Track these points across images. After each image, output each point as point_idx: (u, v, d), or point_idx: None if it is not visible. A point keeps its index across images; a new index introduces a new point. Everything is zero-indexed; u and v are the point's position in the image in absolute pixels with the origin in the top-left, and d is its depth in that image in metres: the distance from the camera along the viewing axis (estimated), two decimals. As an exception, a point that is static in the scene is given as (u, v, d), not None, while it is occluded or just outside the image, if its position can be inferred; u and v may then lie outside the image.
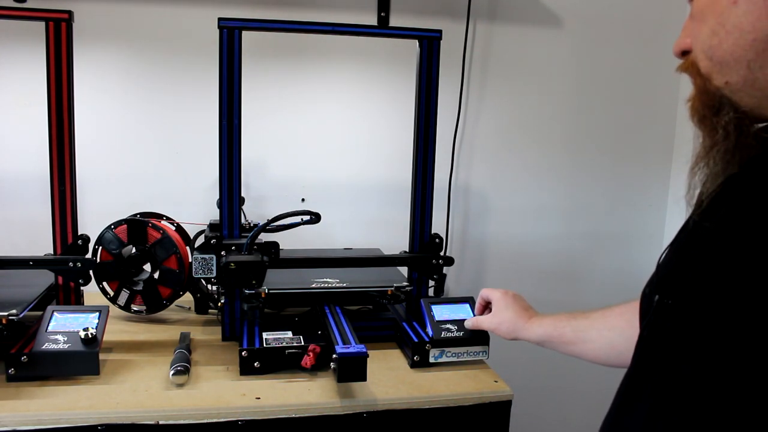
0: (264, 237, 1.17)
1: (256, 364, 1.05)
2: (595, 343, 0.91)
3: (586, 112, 1.76)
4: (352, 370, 0.96)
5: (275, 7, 1.53)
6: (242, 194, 1.21)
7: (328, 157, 1.63)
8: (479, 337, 1.14)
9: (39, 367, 0.98)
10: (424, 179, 1.27)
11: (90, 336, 0.99)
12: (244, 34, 1.14)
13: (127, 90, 1.52)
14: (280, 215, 1.15)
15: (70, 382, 1.00)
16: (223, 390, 1.00)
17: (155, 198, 1.51)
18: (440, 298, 1.26)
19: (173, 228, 1.33)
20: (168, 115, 1.54)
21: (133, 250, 1.25)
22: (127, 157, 1.54)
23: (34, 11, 1.12)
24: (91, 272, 1.16)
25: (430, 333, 1.14)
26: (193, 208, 1.49)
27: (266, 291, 1.14)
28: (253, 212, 1.49)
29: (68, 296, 1.18)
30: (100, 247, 1.24)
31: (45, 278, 1.20)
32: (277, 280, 1.18)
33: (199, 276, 1.13)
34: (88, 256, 1.19)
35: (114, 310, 1.23)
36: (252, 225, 1.26)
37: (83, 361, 0.99)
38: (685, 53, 0.59)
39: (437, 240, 1.28)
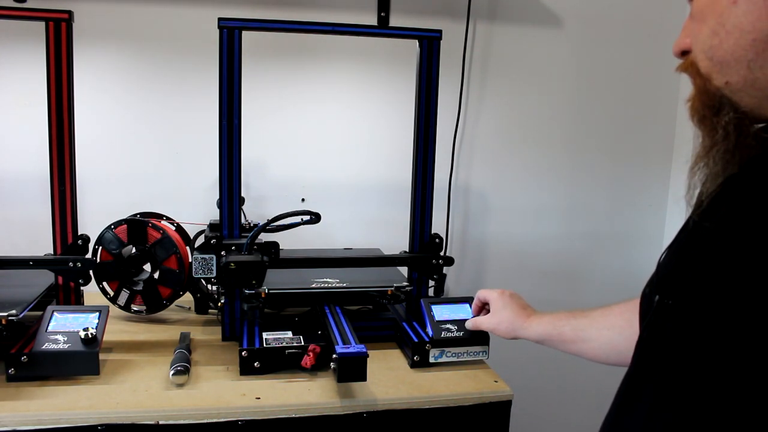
0: (264, 237, 1.17)
1: (256, 364, 1.05)
2: (594, 342, 0.91)
3: (586, 112, 1.76)
4: (352, 370, 0.96)
5: (275, 7, 1.53)
6: (242, 194, 1.21)
7: (328, 157, 1.63)
8: (479, 337, 1.14)
9: (39, 367, 0.98)
10: (424, 179, 1.27)
11: (90, 336, 0.99)
12: (244, 34, 1.14)
13: (127, 90, 1.52)
14: (280, 215, 1.15)
15: (70, 382, 0.99)
16: (223, 390, 1.00)
17: (155, 198, 1.51)
18: (440, 298, 1.26)
19: (173, 228, 1.33)
20: (168, 115, 1.54)
21: (133, 250, 1.25)
22: (127, 157, 1.54)
23: (34, 11, 1.12)
24: (91, 272, 1.16)
25: (430, 333, 1.14)
26: (193, 208, 1.49)
27: (266, 291, 1.14)
28: (253, 212, 1.49)
29: (68, 296, 1.18)
30: (100, 247, 1.24)
31: (45, 278, 1.20)
32: (277, 280, 1.18)
33: (199, 276, 1.13)
34: (88, 256, 1.19)
35: (114, 310, 1.23)
36: (252, 225, 1.26)
37: (83, 361, 0.99)
38: (684, 53, 0.59)
39: (437, 240, 1.28)
